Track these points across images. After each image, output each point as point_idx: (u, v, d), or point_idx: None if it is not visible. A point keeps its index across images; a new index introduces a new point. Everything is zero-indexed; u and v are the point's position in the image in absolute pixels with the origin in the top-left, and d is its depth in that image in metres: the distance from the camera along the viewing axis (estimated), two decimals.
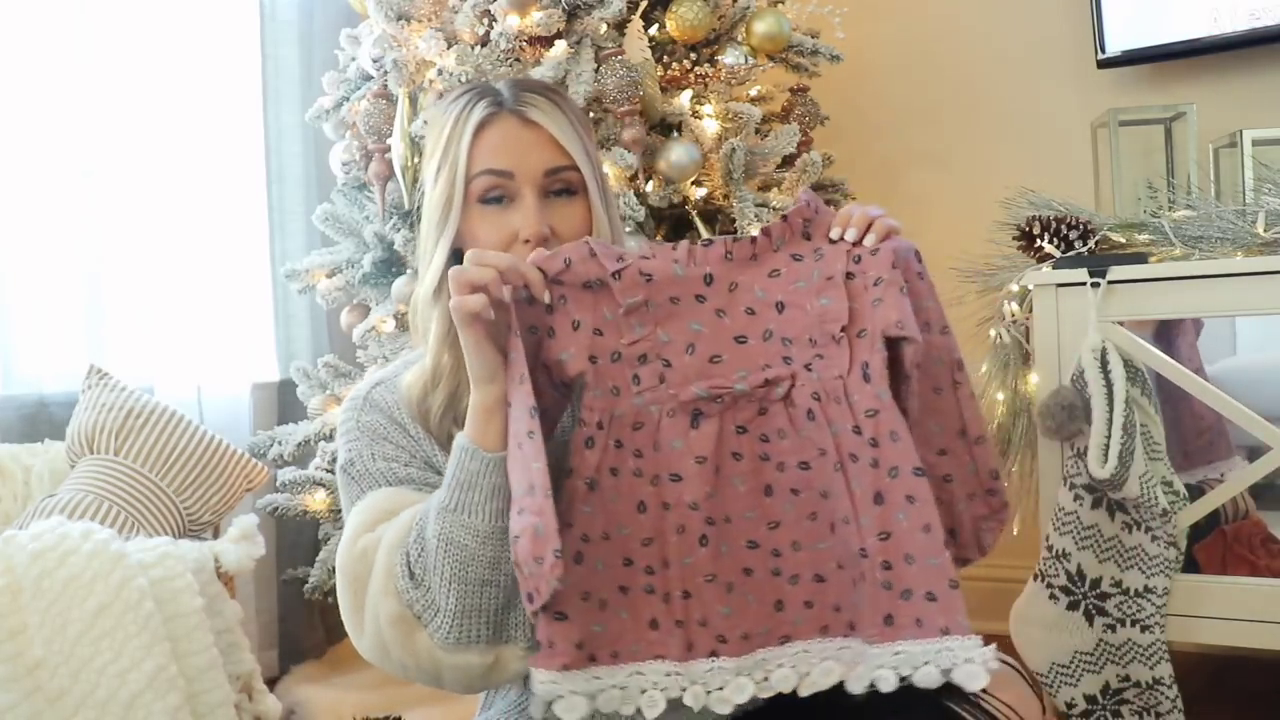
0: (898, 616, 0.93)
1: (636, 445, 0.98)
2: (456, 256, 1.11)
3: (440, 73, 1.94)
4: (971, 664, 0.89)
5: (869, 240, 1.00)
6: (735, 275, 1.02)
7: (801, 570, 0.98)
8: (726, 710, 0.96)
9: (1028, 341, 1.88)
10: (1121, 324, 1.70)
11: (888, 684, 0.92)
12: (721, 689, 0.95)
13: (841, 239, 1.01)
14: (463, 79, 1.90)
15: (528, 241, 1.06)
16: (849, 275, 0.99)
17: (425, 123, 1.93)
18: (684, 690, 0.95)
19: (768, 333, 1.00)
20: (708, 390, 0.98)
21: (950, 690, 0.99)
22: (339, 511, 2.08)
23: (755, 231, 1.04)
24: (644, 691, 0.95)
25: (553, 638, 0.93)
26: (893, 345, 0.97)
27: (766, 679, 0.97)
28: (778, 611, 0.98)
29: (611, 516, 0.97)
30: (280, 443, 2.15)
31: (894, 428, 0.94)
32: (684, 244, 1.02)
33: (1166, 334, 1.84)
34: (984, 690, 0.98)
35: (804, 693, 0.96)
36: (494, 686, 1.04)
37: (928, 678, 0.91)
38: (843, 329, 0.97)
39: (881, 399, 0.95)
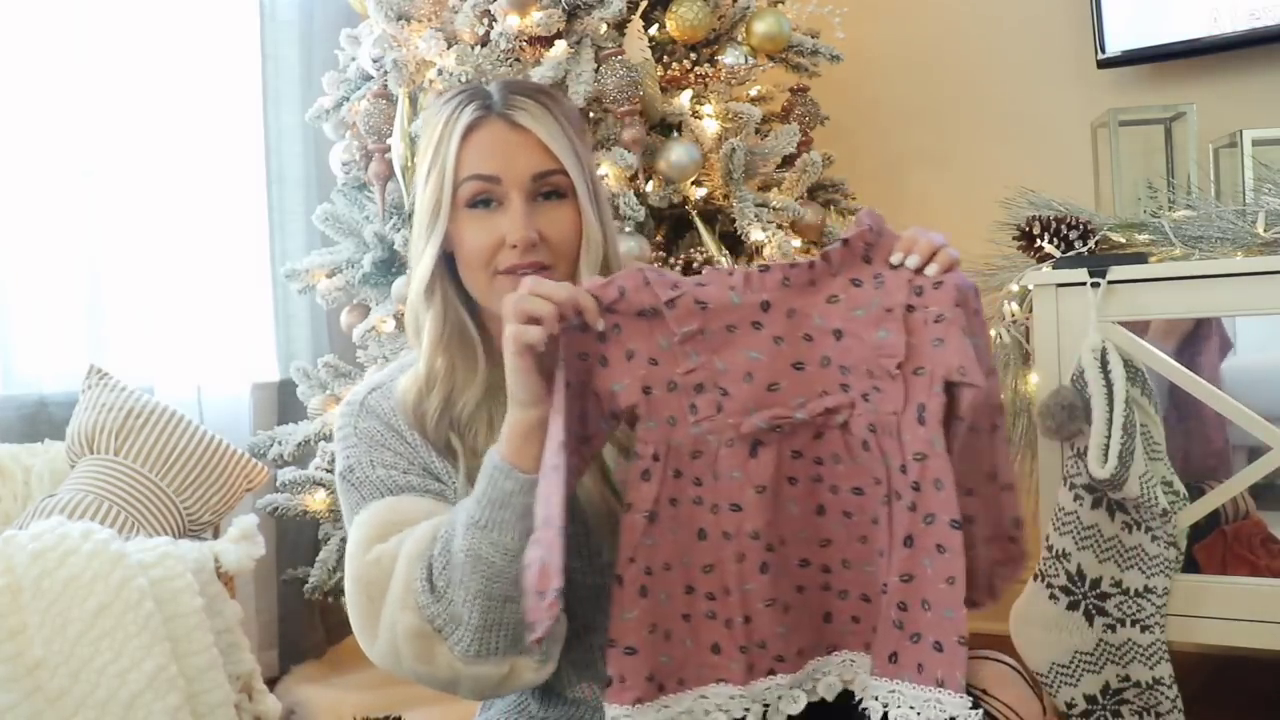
0: (902, 656, 0.93)
1: (695, 474, 0.98)
2: (447, 260, 1.11)
3: (440, 73, 1.94)
4: None
5: (931, 270, 0.98)
6: (793, 301, 1.00)
7: (850, 587, 0.99)
8: None
9: (1028, 341, 1.88)
10: (1140, 335, 1.70)
11: (875, 715, 0.94)
12: (779, 699, 0.98)
13: (903, 265, 0.99)
14: (463, 79, 1.90)
15: (514, 246, 1.06)
16: (909, 308, 0.97)
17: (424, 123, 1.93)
18: (746, 711, 0.96)
19: (825, 359, 0.99)
20: (768, 421, 0.97)
21: None
22: (339, 512, 2.07)
23: (813, 256, 1.04)
24: (708, 714, 0.97)
25: (624, 673, 0.95)
26: (951, 387, 0.95)
27: (814, 688, 1.00)
28: (826, 623, 1.00)
29: (673, 546, 0.98)
30: (280, 443, 2.15)
31: (939, 476, 0.93)
32: (740, 270, 1.01)
33: (1190, 347, 1.84)
34: (984, 691, 0.98)
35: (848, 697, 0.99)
36: (505, 694, 1.05)
37: None
38: (899, 365, 0.96)
39: (934, 446, 0.94)
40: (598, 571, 1.08)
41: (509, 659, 0.99)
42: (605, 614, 1.02)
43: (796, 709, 0.98)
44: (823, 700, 1.11)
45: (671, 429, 0.98)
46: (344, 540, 2.06)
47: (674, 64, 2.03)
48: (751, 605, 0.97)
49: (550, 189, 1.09)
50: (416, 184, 1.13)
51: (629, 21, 1.94)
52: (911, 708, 0.92)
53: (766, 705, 0.97)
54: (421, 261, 1.10)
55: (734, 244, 2.00)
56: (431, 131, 1.11)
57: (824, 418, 0.98)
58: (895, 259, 0.99)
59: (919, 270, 0.98)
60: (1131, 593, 1.68)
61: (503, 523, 0.96)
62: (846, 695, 1.13)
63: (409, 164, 1.98)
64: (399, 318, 2.07)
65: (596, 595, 1.08)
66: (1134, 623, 1.68)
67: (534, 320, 0.93)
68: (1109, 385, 1.63)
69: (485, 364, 1.11)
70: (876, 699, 0.94)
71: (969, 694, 0.98)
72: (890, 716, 0.93)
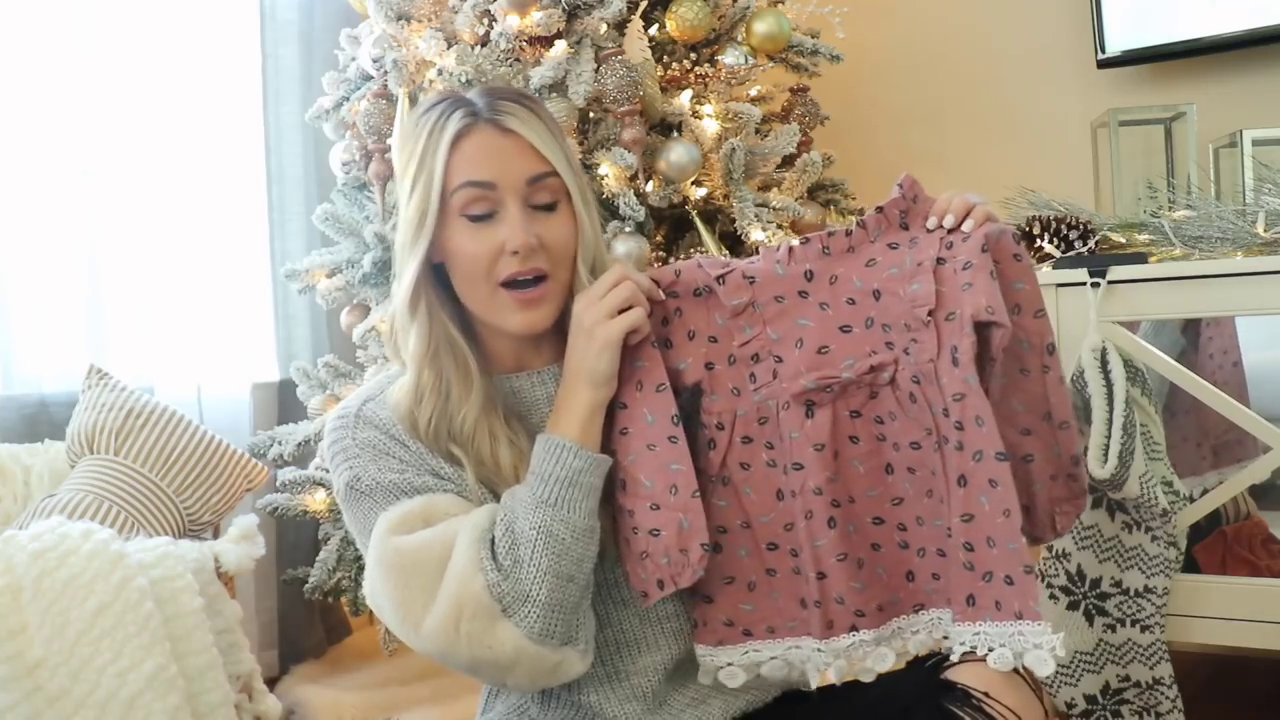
0: (979, 598, 0.97)
1: (766, 438, 1.05)
2: (434, 271, 1.10)
3: (440, 73, 1.94)
4: (1040, 650, 0.95)
5: (966, 226, 1.02)
6: (834, 268, 1.06)
7: (927, 544, 1.03)
8: (870, 679, 1.05)
9: None
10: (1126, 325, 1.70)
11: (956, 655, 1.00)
12: (866, 657, 1.03)
13: (939, 227, 1.03)
14: (463, 79, 1.90)
15: (515, 252, 1.05)
16: (939, 260, 1.02)
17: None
18: (827, 666, 1.03)
19: (869, 320, 1.04)
20: (816, 381, 1.03)
21: (952, 693, 0.99)
22: (339, 511, 2.08)
23: (851, 224, 1.09)
24: (798, 664, 1.05)
25: (703, 617, 1.07)
26: (981, 328, 0.99)
27: (905, 646, 1.06)
28: (909, 582, 1.05)
29: (751, 506, 1.06)
30: (280, 443, 2.15)
31: (979, 412, 0.97)
32: (784, 244, 1.07)
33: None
34: (986, 694, 0.98)
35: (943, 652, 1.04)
36: (553, 685, 1.05)
37: (1001, 660, 0.96)
38: (929, 313, 1.00)
39: (969, 383, 0.97)
40: (603, 569, 1.08)
41: (562, 649, 1.00)
42: (613, 609, 1.05)
43: (884, 666, 1.03)
44: (819, 698, 1.11)
45: (736, 399, 1.06)
46: (344, 540, 2.07)
47: (674, 64, 2.03)
48: (824, 561, 1.03)
49: (547, 195, 1.08)
50: (398, 198, 1.11)
51: (629, 21, 1.94)
52: (1002, 645, 0.96)
53: (854, 664, 1.03)
54: (406, 273, 1.08)
55: (734, 244, 2.00)
56: (413, 143, 1.09)
57: (871, 375, 1.03)
58: (931, 223, 1.03)
59: (953, 230, 1.02)
60: (1131, 593, 1.68)
61: (572, 501, 1.00)
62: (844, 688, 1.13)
63: None
64: None
65: (605, 590, 1.09)
66: (1134, 623, 1.68)
67: (622, 310, 1.02)
68: (1109, 385, 1.63)
69: (479, 375, 1.09)
70: (963, 644, 0.99)
71: (970, 697, 0.98)
72: (989, 660, 0.97)
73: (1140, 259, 1.72)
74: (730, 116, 2.00)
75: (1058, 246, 1.78)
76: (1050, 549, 1.72)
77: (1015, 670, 1.01)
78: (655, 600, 1.04)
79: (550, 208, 1.09)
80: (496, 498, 1.07)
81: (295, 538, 2.32)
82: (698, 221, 1.98)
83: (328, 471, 2.06)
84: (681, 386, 1.06)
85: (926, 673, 1.04)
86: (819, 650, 1.04)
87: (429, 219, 1.07)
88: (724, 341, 1.06)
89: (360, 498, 1.07)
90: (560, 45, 1.90)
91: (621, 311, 1.03)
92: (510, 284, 1.07)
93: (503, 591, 0.98)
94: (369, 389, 1.14)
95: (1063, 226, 1.79)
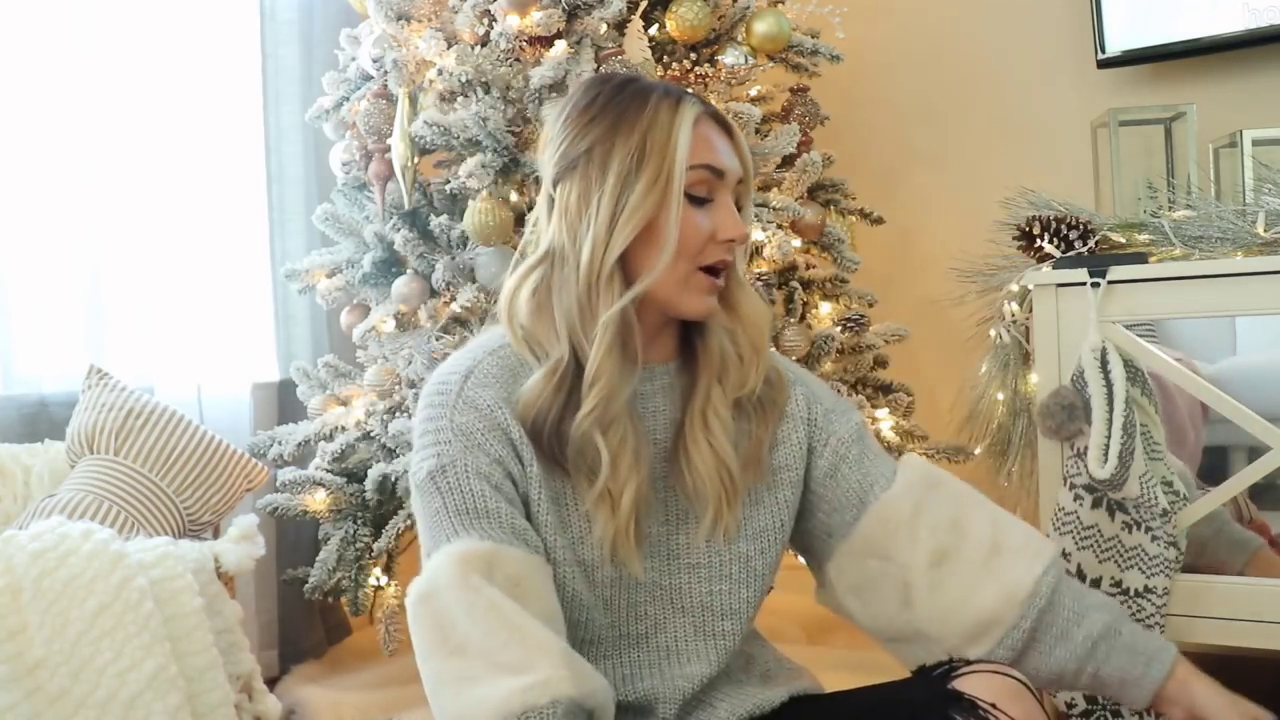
0: None
1: None
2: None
3: (440, 73, 1.94)
4: None
5: None
6: None
7: None
8: None
9: (1028, 341, 1.88)
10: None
11: None
12: None
13: None
14: (463, 79, 1.90)
15: (730, 241, 1.07)
16: None
17: (431, 117, 1.93)
18: None
19: None
20: None
21: (959, 703, 0.99)
22: (339, 511, 2.08)
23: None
24: None
25: None
26: None
27: None
28: None
29: None
30: (280, 443, 2.15)
31: None
32: None
33: None
34: (994, 705, 0.97)
35: None
36: None
37: None
38: None
39: None
40: (668, 573, 1.09)
41: None
42: (671, 615, 1.03)
43: None
44: (824, 707, 1.10)
45: None
46: (344, 540, 2.07)
47: (674, 64, 2.03)
48: None
49: (737, 196, 1.11)
50: (605, 162, 1.05)
51: (629, 21, 1.94)
52: None
53: None
54: (613, 245, 1.04)
55: None
56: (621, 115, 1.06)
57: None
58: None
59: None
60: (1131, 593, 1.68)
61: None
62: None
63: (409, 164, 1.98)
64: (399, 317, 2.07)
65: (665, 595, 1.09)
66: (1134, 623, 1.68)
67: None
68: (1109, 385, 1.63)
69: (640, 364, 1.07)
70: None
71: (976, 707, 0.98)
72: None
73: (1140, 259, 1.72)
74: (730, 116, 2.00)
75: (1058, 246, 1.78)
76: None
77: (1022, 681, 1.01)
78: None
79: (740, 207, 1.11)
80: (557, 517, 1.05)
81: (295, 538, 2.32)
82: None
83: (330, 471, 2.07)
84: None
85: (934, 681, 1.04)
86: None
87: (673, 194, 1.04)
88: None
89: (435, 493, 1.02)
90: (560, 45, 1.90)
91: None
92: (708, 269, 1.08)
93: None
94: (469, 358, 1.08)
95: (1063, 226, 1.79)
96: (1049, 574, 1.11)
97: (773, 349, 1.22)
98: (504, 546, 1.00)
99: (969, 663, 1.05)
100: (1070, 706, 1.70)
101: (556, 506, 1.05)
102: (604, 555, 1.05)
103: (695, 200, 1.07)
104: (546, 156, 1.10)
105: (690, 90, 1.12)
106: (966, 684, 1.00)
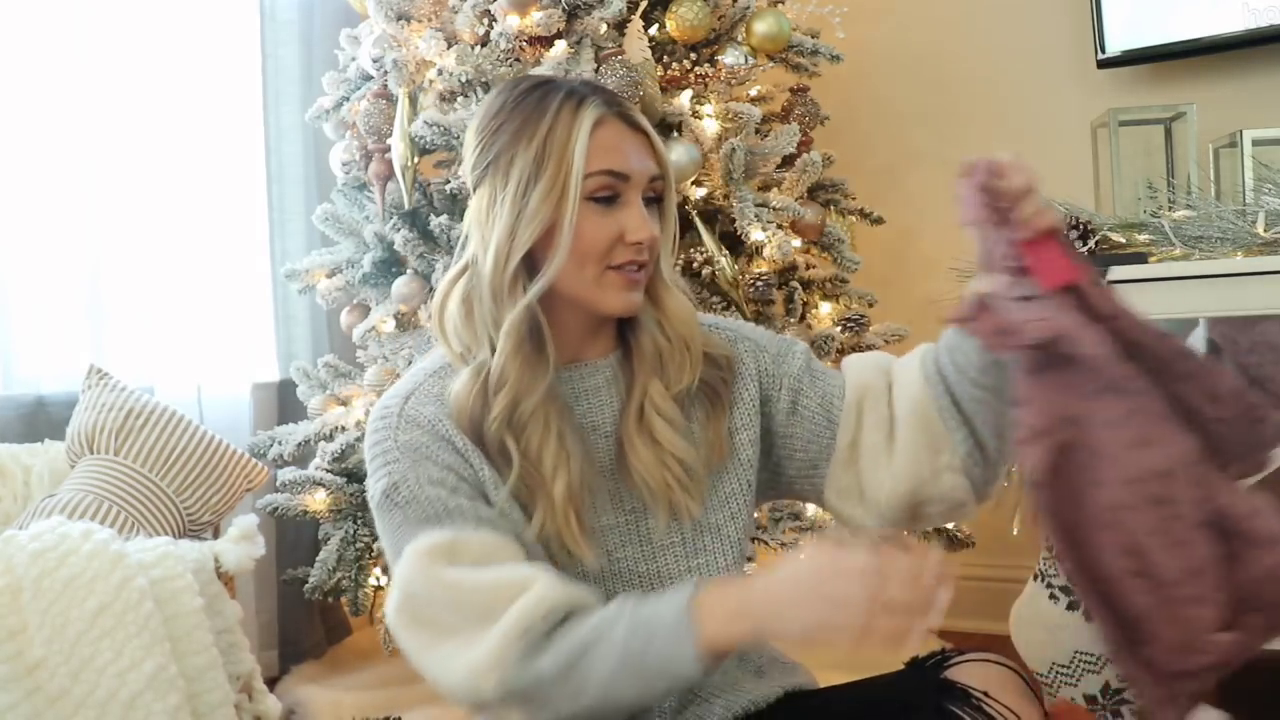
0: None
1: None
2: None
3: (440, 73, 1.94)
4: None
5: None
6: None
7: None
8: None
9: None
10: None
11: None
12: None
13: None
14: (463, 79, 1.90)
15: (638, 243, 1.06)
16: None
17: (431, 117, 1.93)
18: None
19: None
20: None
21: (951, 692, 0.99)
22: (339, 511, 2.08)
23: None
24: None
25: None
26: None
27: None
28: None
29: None
30: (280, 443, 2.15)
31: None
32: None
33: None
34: (985, 693, 0.98)
35: None
36: None
37: None
38: None
39: None
40: (650, 560, 1.09)
41: None
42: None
43: None
44: (818, 701, 1.10)
45: None
46: (344, 540, 2.07)
47: (674, 64, 2.03)
48: None
49: (653, 194, 1.10)
50: (494, 175, 1.07)
51: (629, 21, 1.94)
52: None
53: None
54: (514, 251, 1.05)
55: (734, 244, 2.00)
56: (526, 122, 1.06)
57: None
58: None
59: None
60: None
61: (653, 688, 0.94)
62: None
63: (409, 164, 1.98)
64: (399, 317, 2.08)
65: (651, 582, 1.10)
66: None
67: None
68: None
69: (554, 362, 1.07)
70: None
71: (969, 696, 0.98)
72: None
73: (1140, 259, 1.72)
74: (730, 116, 2.00)
75: None
76: (1050, 549, 1.72)
77: (1014, 669, 1.01)
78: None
79: (656, 206, 1.11)
80: (523, 510, 1.04)
81: (295, 538, 2.32)
82: (698, 222, 1.98)
83: (330, 470, 2.07)
84: None
85: (926, 672, 1.04)
86: None
87: (569, 201, 1.05)
88: None
89: (393, 509, 1.03)
90: (560, 45, 1.90)
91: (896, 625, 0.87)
92: (622, 268, 1.08)
93: (520, 690, 0.94)
94: (410, 383, 1.10)
95: (1063, 226, 1.79)
96: (925, 359, 1.13)
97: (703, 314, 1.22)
98: (465, 532, 1.01)
99: (961, 652, 1.05)
100: (1069, 703, 1.70)
101: (518, 504, 1.06)
102: (569, 547, 1.05)
103: (601, 202, 1.07)
104: (465, 166, 1.12)
105: (601, 88, 1.10)
106: (959, 673, 1.01)
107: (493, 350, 1.06)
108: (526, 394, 1.04)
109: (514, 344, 1.04)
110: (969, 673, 1.01)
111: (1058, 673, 1.71)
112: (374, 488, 1.05)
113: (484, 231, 1.08)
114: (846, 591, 0.87)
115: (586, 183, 1.05)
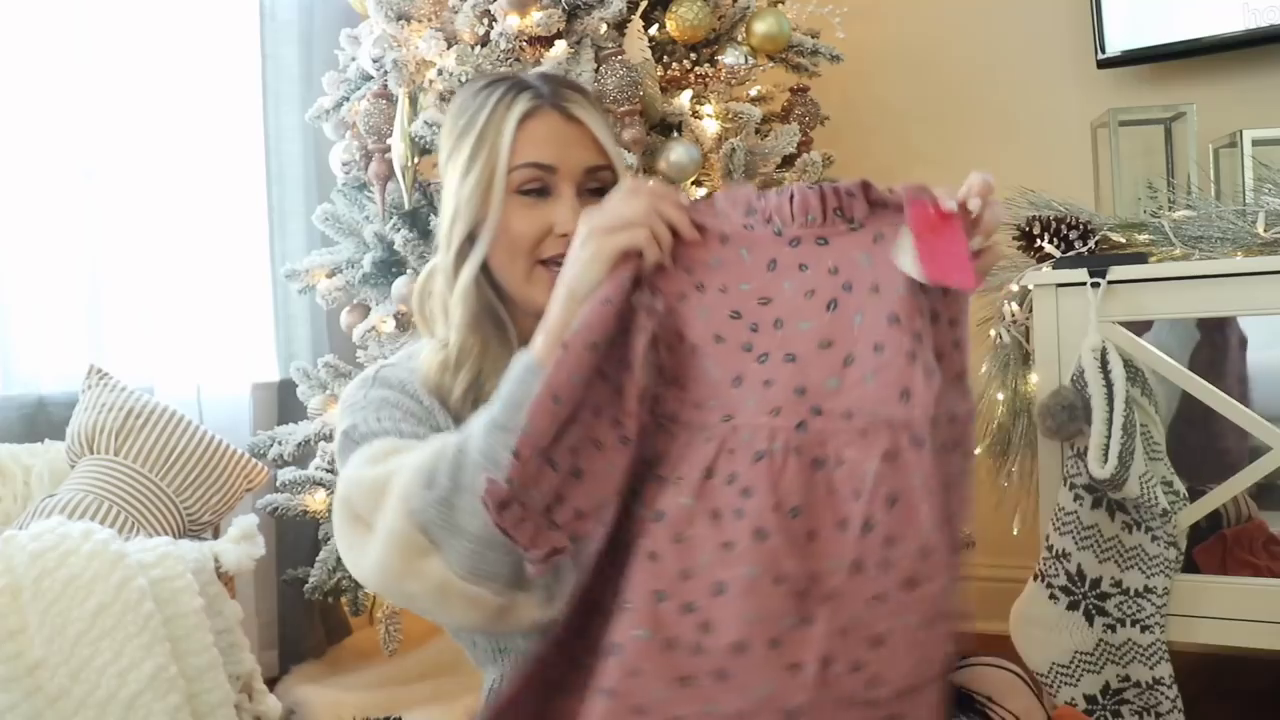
0: None
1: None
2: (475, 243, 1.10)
3: (440, 73, 1.94)
4: None
5: None
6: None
7: None
8: None
9: (1028, 341, 1.88)
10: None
11: None
12: None
13: None
14: (463, 79, 1.90)
15: (565, 235, 1.06)
16: None
17: (430, 117, 1.93)
18: None
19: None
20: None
21: (957, 700, 0.99)
22: None
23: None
24: None
25: None
26: None
27: None
28: None
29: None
30: (280, 443, 2.15)
31: None
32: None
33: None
34: (989, 698, 0.98)
35: None
36: (502, 632, 1.00)
37: None
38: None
39: None
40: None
41: (510, 592, 0.94)
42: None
43: None
44: None
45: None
46: None
47: (674, 64, 2.03)
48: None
49: (598, 185, 1.10)
50: (446, 166, 1.12)
51: (629, 21, 1.94)
52: None
53: None
54: (454, 244, 1.09)
55: None
56: (471, 117, 1.10)
57: None
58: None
59: None
60: (1131, 593, 1.68)
61: None
62: None
63: (409, 164, 1.98)
64: (399, 317, 2.07)
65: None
66: (1134, 623, 1.68)
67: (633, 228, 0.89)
68: (1109, 385, 1.63)
69: (516, 344, 1.09)
70: None
71: (974, 701, 0.98)
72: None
73: (1140, 259, 1.72)
74: (730, 116, 2.00)
75: (1058, 246, 1.78)
76: (1050, 549, 1.72)
77: (1019, 674, 1.01)
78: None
79: (600, 195, 1.10)
80: None
81: (295, 538, 2.32)
82: None
83: (330, 470, 2.07)
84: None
85: None
86: None
87: (494, 194, 1.07)
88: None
89: (351, 446, 1.05)
90: (560, 45, 1.90)
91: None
92: (549, 261, 1.08)
93: (428, 520, 0.92)
94: (392, 359, 1.15)
95: (1063, 226, 1.79)
96: None
97: None
98: (409, 440, 1.02)
99: (965, 657, 1.05)
100: (1069, 705, 1.70)
101: None
102: None
103: (530, 194, 1.08)
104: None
105: (554, 80, 1.11)
106: (964, 678, 1.01)
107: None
108: (491, 373, 1.06)
109: (467, 316, 1.08)
110: (974, 677, 1.01)
111: (1058, 673, 1.71)
112: (337, 434, 1.09)
113: (440, 223, 1.13)
114: (622, 209, 0.90)
115: (512, 175, 1.07)
